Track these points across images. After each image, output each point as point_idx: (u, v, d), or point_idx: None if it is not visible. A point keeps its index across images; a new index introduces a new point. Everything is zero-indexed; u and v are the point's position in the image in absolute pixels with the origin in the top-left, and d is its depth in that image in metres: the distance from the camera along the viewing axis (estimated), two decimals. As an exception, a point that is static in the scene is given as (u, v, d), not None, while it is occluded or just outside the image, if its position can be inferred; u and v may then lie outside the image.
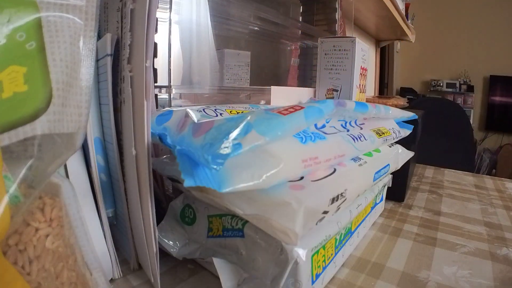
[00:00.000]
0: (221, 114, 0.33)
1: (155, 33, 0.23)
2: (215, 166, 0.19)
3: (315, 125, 0.29)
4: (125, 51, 0.24)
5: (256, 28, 0.71)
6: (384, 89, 2.28)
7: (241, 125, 0.21)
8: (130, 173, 0.25)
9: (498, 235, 0.38)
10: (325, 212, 0.24)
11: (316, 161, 0.25)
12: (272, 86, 0.47)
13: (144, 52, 0.21)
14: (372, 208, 0.39)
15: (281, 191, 0.23)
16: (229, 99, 0.58)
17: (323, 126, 0.30)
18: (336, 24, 0.85)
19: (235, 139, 0.20)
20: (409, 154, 0.43)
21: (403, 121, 0.45)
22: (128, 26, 0.23)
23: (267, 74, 0.82)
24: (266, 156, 0.22)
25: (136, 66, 0.23)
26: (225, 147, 0.19)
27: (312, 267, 0.25)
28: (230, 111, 0.34)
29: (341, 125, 0.32)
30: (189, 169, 0.20)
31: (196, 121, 0.24)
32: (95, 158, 0.25)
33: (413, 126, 0.45)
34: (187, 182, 0.19)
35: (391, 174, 0.41)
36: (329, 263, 0.27)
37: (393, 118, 0.41)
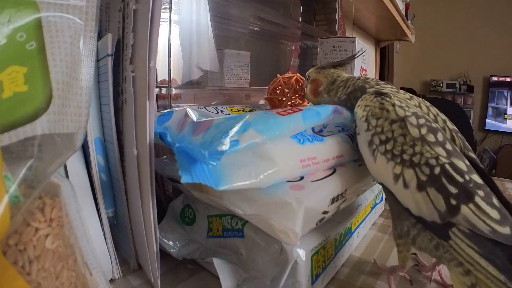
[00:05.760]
0: (222, 111, 0.33)
1: (156, 33, 0.23)
2: (212, 162, 0.19)
3: (313, 129, 0.29)
4: (128, 51, 0.24)
5: (256, 28, 0.71)
6: (384, 89, 2.27)
7: (240, 124, 0.21)
8: (131, 173, 0.25)
9: (498, 235, 0.38)
10: (325, 212, 0.24)
11: (314, 161, 0.25)
12: (272, 86, 0.47)
13: (147, 53, 0.21)
14: (372, 208, 0.39)
15: (281, 191, 0.23)
16: (229, 99, 0.58)
17: (321, 130, 0.30)
18: (336, 24, 0.85)
19: (232, 136, 0.20)
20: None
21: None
22: (131, 27, 0.23)
23: (267, 74, 0.82)
24: (264, 155, 0.22)
25: (139, 66, 0.23)
26: (223, 144, 0.19)
27: (312, 268, 0.25)
28: (231, 109, 0.34)
29: (339, 130, 0.32)
30: (187, 165, 0.20)
31: (195, 120, 0.24)
32: (95, 158, 0.25)
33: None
34: (184, 178, 0.19)
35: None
36: (329, 263, 0.27)
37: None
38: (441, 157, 0.21)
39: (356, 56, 0.39)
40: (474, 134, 2.24)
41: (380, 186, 0.41)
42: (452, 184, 0.20)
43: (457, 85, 2.75)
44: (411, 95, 0.27)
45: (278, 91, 0.42)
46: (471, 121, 2.57)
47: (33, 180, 0.17)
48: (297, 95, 0.41)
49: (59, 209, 0.19)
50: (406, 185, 0.22)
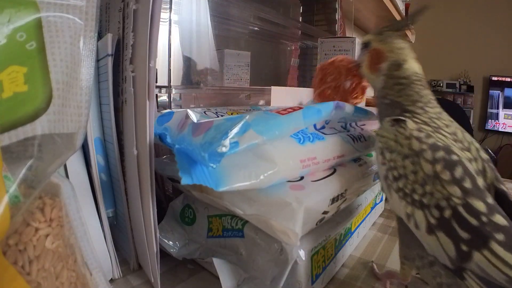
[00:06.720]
0: (222, 116, 0.33)
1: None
2: (212, 164, 0.19)
3: (315, 126, 0.29)
4: (127, 51, 0.24)
5: (256, 28, 0.71)
6: (384, 90, 2.26)
7: (239, 124, 0.21)
8: (131, 173, 0.25)
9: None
10: (325, 212, 0.24)
11: (314, 161, 0.25)
12: (272, 87, 0.47)
13: (147, 53, 0.21)
14: (372, 208, 0.39)
15: (281, 191, 0.23)
16: (229, 99, 0.58)
17: (323, 127, 0.30)
18: (336, 24, 0.85)
19: (232, 137, 0.20)
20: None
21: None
22: (131, 27, 0.23)
23: (267, 74, 0.82)
24: (264, 156, 0.22)
25: (139, 66, 0.23)
26: (222, 146, 0.19)
27: (312, 267, 0.25)
28: (231, 113, 0.34)
29: (341, 126, 0.32)
30: (187, 167, 0.20)
31: (195, 121, 0.24)
32: (95, 158, 0.25)
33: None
34: (184, 180, 0.19)
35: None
36: (329, 263, 0.27)
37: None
38: (453, 198, 0.19)
39: (418, 14, 0.29)
40: (474, 134, 2.23)
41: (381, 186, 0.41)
42: (464, 228, 0.18)
43: (457, 85, 2.75)
44: (451, 120, 0.24)
45: (328, 79, 0.35)
46: (471, 121, 2.57)
47: (33, 180, 0.17)
48: (353, 74, 0.34)
49: (59, 209, 0.19)
50: (417, 227, 0.20)
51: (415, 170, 0.21)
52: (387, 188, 0.23)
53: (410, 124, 0.22)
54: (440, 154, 0.20)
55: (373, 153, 0.35)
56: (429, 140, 0.21)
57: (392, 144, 0.22)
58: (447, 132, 0.23)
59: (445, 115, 0.25)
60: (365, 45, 0.29)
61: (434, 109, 0.25)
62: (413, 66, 0.27)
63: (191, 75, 0.54)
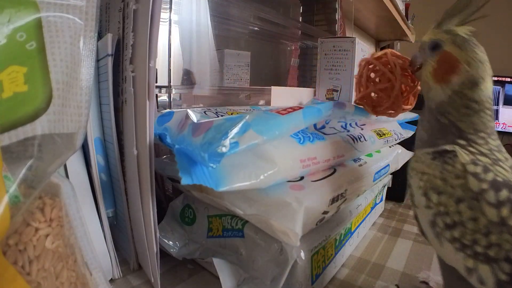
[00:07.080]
0: (222, 116, 0.33)
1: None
2: (212, 164, 0.19)
3: (315, 125, 0.29)
4: (127, 51, 0.24)
5: (256, 28, 0.71)
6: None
7: (239, 125, 0.21)
8: (131, 173, 0.25)
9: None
10: (325, 213, 0.24)
11: (314, 161, 0.25)
12: (272, 87, 0.47)
13: (147, 53, 0.21)
14: (372, 208, 0.39)
15: (281, 191, 0.23)
16: (229, 99, 0.58)
17: (323, 127, 0.30)
18: (336, 24, 0.85)
19: (232, 137, 0.20)
20: (409, 154, 0.43)
21: (406, 122, 0.45)
22: (131, 27, 0.23)
23: (267, 74, 0.82)
24: (264, 156, 0.22)
25: (139, 66, 0.23)
26: (222, 146, 0.19)
27: (312, 268, 0.25)
28: (231, 113, 0.34)
29: (341, 126, 0.32)
30: (187, 167, 0.20)
31: (196, 121, 0.24)
32: (95, 158, 0.25)
33: (416, 127, 0.45)
34: (185, 180, 0.19)
35: (391, 174, 0.42)
36: (329, 263, 0.27)
37: (395, 120, 0.41)
38: None
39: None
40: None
41: (380, 186, 0.41)
42: None
43: (457, 85, 2.75)
44: (507, 153, 0.21)
45: (377, 79, 0.28)
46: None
47: (33, 180, 0.17)
48: (408, 75, 0.27)
49: (59, 209, 0.19)
50: (482, 283, 0.17)
51: (475, 216, 0.17)
52: (435, 237, 0.19)
53: (462, 156, 0.19)
54: (504, 194, 0.17)
55: (373, 153, 0.35)
56: (488, 175, 0.18)
57: (439, 184, 0.19)
58: (507, 166, 0.20)
59: (503, 148, 0.22)
60: (435, 46, 0.22)
61: (496, 141, 0.21)
62: (489, 87, 0.22)
63: (191, 75, 0.54)
